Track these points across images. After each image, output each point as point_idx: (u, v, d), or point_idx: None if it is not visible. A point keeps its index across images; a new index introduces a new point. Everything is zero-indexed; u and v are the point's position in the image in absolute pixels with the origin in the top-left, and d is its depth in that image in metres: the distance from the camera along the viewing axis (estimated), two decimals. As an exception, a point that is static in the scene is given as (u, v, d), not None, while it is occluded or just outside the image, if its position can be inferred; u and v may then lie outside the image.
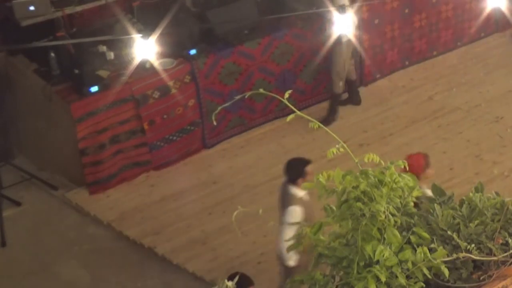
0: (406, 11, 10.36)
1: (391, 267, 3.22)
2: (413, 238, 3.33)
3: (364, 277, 3.20)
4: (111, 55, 8.98)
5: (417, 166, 6.64)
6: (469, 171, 8.97)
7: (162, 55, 8.71)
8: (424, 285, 3.24)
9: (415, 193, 3.41)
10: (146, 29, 8.25)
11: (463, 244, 3.34)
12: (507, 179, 8.81)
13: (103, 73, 8.79)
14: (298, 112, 3.51)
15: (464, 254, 3.33)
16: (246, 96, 3.80)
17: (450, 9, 10.77)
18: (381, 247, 3.21)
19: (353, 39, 9.25)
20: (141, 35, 6.95)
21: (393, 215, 3.25)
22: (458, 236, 3.40)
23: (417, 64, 10.91)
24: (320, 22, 9.51)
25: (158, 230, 8.46)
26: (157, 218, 8.62)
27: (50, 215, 8.82)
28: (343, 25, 8.25)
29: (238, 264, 7.77)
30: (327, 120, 9.77)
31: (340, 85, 9.76)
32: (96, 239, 8.49)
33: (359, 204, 3.22)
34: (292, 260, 6.86)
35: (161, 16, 8.29)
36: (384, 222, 3.22)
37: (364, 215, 3.21)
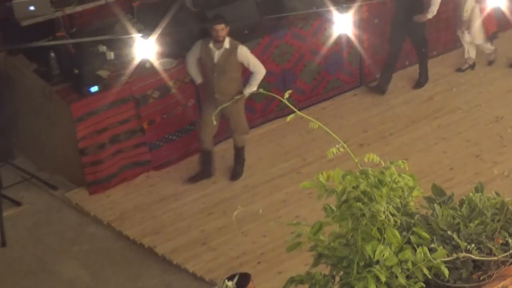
0: (406, 11, 10.35)
1: (391, 267, 3.22)
2: (413, 238, 3.33)
3: (364, 277, 3.20)
4: (111, 55, 8.98)
5: None
6: (469, 171, 8.97)
7: (162, 55, 8.71)
8: (424, 285, 3.24)
9: (415, 193, 3.41)
10: (146, 29, 8.27)
11: (463, 244, 3.34)
12: (507, 179, 8.80)
13: (103, 73, 8.79)
14: (298, 112, 3.50)
15: (464, 254, 3.33)
16: (246, 96, 3.79)
17: (450, 9, 10.76)
18: (381, 247, 3.21)
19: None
20: (141, 35, 6.96)
21: (393, 215, 3.25)
22: (458, 236, 3.40)
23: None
24: (320, 22, 9.51)
25: (158, 230, 8.46)
26: (157, 218, 8.62)
27: (50, 215, 8.82)
28: (342, 25, 8.28)
29: (238, 264, 7.77)
30: (235, 174, 9.15)
31: (243, 138, 9.02)
32: (96, 239, 8.49)
33: (359, 204, 3.21)
34: None
35: (161, 16, 8.30)
36: (384, 222, 3.22)
37: (364, 215, 3.21)
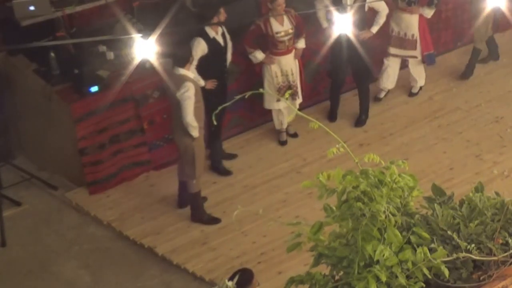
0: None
1: (391, 267, 3.22)
2: (413, 238, 3.34)
3: (364, 277, 3.21)
4: (111, 55, 8.97)
5: None
6: (469, 171, 8.98)
7: (162, 55, 8.69)
8: (424, 285, 3.24)
9: (415, 193, 3.41)
10: (146, 29, 8.25)
11: (463, 244, 3.34)
12: (507, 179, 8.81)
13: (103, 73, 8.79)
14: (298, 112, 3.51)
15: (464, 254, 3.33)
16: (246, 96, 3.80)
17: (450, 9, 10.76)
18: (381, 247, 3.21)
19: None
20: (141, 35, 6.95)
21: (393, 215, 3.25)
22: (458, 236, 3.40)
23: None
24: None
25: (158, 230, 8.46)
26: (157, 218, 8.63)
27: (50, 215, 8.82)
28: (342, 25, 8.26)
29: (238, 264, 7.77)
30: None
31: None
32: (96, 239, 8.50)
33: (359, 204, 3.22)
34: None
35: (161, 16, 8.29)
36: (384, 222, 3.22)
37: (364, 215, 3.21)
